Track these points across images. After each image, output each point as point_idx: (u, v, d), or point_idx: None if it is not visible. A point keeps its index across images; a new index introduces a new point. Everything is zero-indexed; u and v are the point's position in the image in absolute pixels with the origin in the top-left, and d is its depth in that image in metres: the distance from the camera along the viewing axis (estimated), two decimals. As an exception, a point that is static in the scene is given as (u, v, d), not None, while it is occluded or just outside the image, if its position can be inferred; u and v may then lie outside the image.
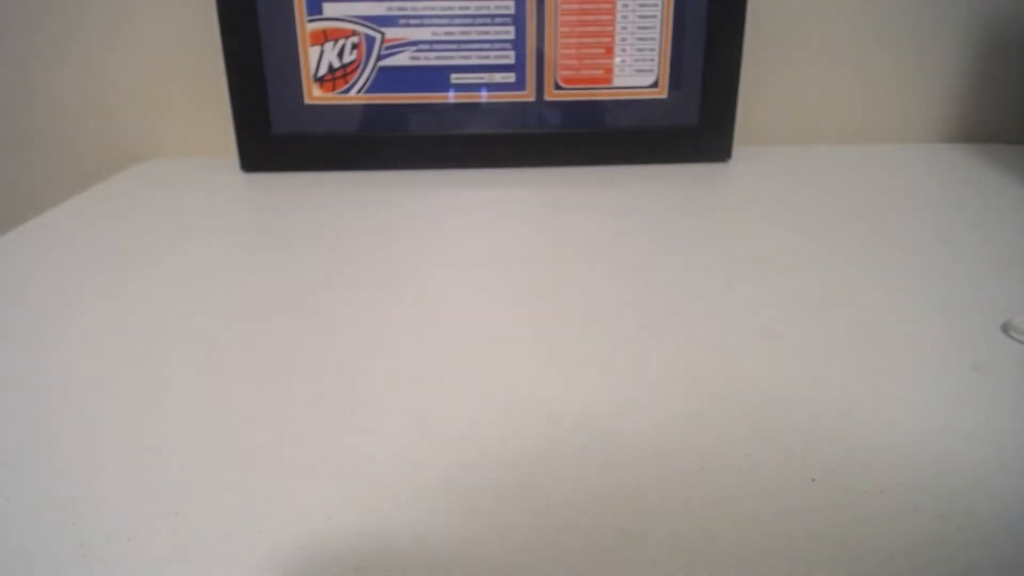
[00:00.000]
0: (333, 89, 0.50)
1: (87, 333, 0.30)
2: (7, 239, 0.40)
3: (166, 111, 0.57)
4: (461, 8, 0.48)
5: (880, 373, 0.26)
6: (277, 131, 0.50)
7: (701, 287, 0.33)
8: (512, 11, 0.48)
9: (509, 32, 0.49)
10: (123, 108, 0.57)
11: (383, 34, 0.48)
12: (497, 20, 0.48)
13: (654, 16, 0.49)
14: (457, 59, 0.49)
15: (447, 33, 0.48)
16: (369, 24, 0.48)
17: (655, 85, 0.50)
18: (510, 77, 0.49)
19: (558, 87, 0.50)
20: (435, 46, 0.49)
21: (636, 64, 0.50)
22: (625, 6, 0.48)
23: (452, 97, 0.50)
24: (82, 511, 0.20)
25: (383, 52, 0.49)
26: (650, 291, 0.33)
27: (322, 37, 0.49)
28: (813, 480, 0.21)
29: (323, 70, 0.49)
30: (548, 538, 0.19)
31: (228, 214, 0.43)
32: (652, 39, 0.49)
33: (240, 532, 0.20)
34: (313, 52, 0.49)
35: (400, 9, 0.48)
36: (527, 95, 0.50)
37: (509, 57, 0.49)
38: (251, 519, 0.20)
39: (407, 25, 0.48)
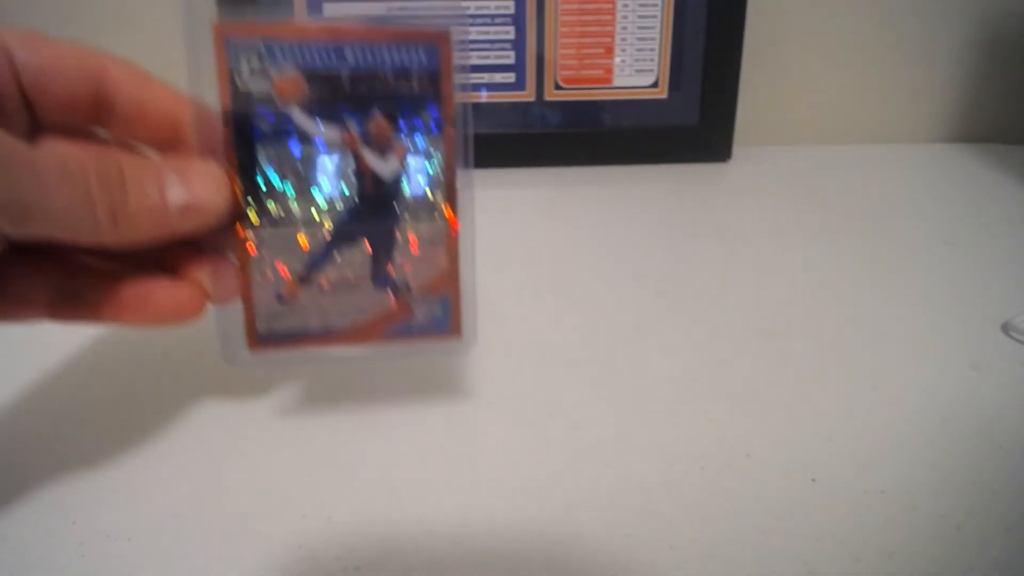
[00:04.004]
0: (333, 89, 0.49)
1: (86, 333, 0.30)
2: (7, 239, 0.40)
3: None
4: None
5: (880, 373, 0.26)
6: (277, 131, 0.50)
7: (701, 287, 0.33)
8: (512, 11, 0.48)
9: (509, 32, 0.49)
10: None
11: (383, 34, 0.48)
12: (497, 20, 0.48)
13: (654, 16, 0.49)
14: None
15: (447, 33, 0.48)
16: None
17: (655, 85, 0.50)
18: (510, 77, 0.49)
19: (558, 87, 0.50)
20: (435, 46, 0.49)
21: (636, 64, 0.50)
22: (625, 6, 0.48)
23: (452, 97, 0.50)
24: (82, 511, 0.20)
25: (383, 52, 0.49)
26: (650, 291, 0.33)
27: (322, 37, 0.48)
28: (813, 480, 0.21)
29: (323, 70, 0.49)
30: (549, 537, 0.19)
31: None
32: (652, 39, 0.49)
33: (240, 532, 0.20)
34: (313, 52, 0.49)
35: (400, 9, 0.48)
36: (527, 95, 0.50)
37: (509, 57, 0.49)
38: (251, 519, 0.20)
39: (407, 25, 0.48)
